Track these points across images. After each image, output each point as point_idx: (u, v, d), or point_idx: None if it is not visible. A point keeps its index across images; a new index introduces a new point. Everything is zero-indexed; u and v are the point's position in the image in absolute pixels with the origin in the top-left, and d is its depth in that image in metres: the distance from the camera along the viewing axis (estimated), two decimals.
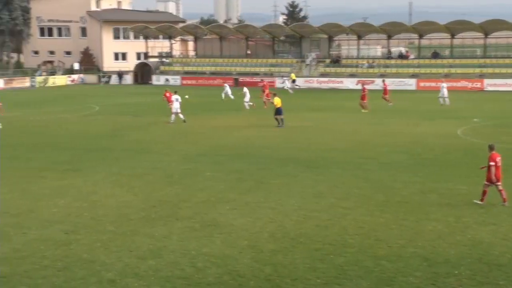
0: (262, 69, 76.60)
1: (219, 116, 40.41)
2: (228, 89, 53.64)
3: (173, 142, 29.53)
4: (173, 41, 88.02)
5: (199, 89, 62.51)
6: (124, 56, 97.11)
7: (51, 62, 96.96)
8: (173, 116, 36.48)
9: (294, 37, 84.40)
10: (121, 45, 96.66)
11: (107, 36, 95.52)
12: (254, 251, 13.50)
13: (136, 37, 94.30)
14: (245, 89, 46.31)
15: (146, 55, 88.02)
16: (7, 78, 78.36)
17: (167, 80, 78.51)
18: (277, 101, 34.93)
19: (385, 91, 48.10)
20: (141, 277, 12.06)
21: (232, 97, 52.07)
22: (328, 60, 76.20)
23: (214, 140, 29.88)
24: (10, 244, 13.87)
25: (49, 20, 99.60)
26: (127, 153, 26.43)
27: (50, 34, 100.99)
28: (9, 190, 19.06)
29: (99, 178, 21.08)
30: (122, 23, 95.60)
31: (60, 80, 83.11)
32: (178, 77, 78.70)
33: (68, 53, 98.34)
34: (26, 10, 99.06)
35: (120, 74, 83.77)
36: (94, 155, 25.90)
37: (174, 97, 37.12)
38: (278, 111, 34.75)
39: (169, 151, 26.86)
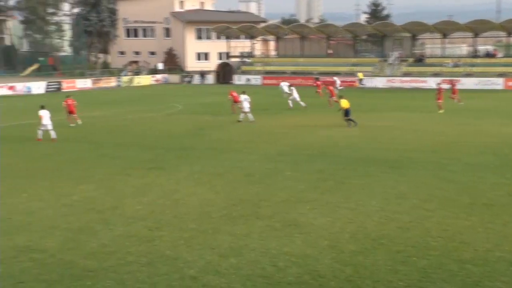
0: (343, 69, 75.98)
1: (299, 115, 40.33)
2: (284, 87, 53.14)
3: (254, 141, 29.67)
4: (254, 41, 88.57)
5: (279, 88, 62.55)
6: (206, 56, 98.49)
7: (136, 62, 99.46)
8: (242, 115, 37.06)
9: (376, 36, 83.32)
10: (204, 45, 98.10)
11: (190, 36, 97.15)
12: (334, 251, 13.40)
13: (218, 37, 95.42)
14: (292, 88, 46.95)
15: (228, 55, 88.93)
16: (95, 78, 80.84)
17: (248, 79, 79.06)
18: (344, 103, 34.36)
19: (453, 90, 46.98)
20: (222, 274, 12.18)
21: (285, 95, 52.02)
22: (411, 59, 74.82)
23: (294, 140, 29.84)
24: (97, 240, 14.29)
25: (135, 21, 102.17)
26: (208, 152, 26.76)
27: (136, 35, 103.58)
28: (96, 187, 19.67)
29: (181, 176, 21.43)
30: (205, 24, 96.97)
31: (144, 80, 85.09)
32: (259, 76, 79.11)
33: (152, 53, 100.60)
34: (113, 12, 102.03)
35: (202, 74, 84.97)
36: (177, 153, 26.36)
37: (243, 97, 37.43)
38: (346, 113, 34.24)
39: (250, 150, 27.01)
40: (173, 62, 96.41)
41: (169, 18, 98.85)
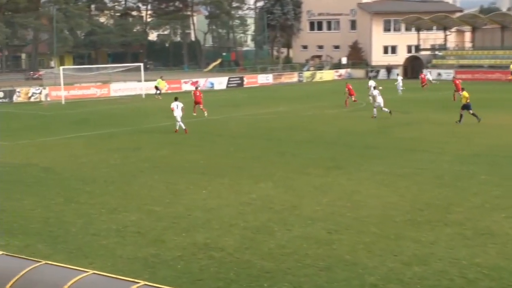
0: None
1: (497, 112, 38.48)
2: (400, 81, 55.65)
3: (445, 140, 28.78)
4: (448, 32, 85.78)
5: (474, 84, 60.14)
6: (393, 50, 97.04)
7: (319, 56, 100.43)
8: (375, 110, 37.67)
9: None
10: (391, 38, 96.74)
11: (377, 28, 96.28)
12: None
13: (407, 29, 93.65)
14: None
15: (417, 48, 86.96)
16: (276, 74, 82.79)
17: (439, 74, 76.79)
18: (466, 95, 34.13)
19: (457, 86, 45.73)
20: (406, 284, 11.91)
21: (400, 90, 54.37)
22: None
23: (491, 140, 28.52)
24: (274, 240, 14.58)
25: (319, 14, 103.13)
26: (393, 151, 26.36)
27: (320, 28, 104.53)
28: (275, 186, 20.10)
29: (363, 176, 21.29)
30: (393, 15, 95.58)
31: (327, 75, 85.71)
32: (451, 71, 76.50)
33: (336, 47, 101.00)
34: (297, 5, 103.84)
35: (389, 69, 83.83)
36: (359, 152, 26.23)
37: (376, 91, 38.16)
38: (466, 106, 33.93)
39: (440, 150, 26.24)
40: (357, 56, 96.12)
41: (355, 9, 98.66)
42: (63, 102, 53.67)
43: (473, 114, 34.10)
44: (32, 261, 8.58)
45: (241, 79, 75.74)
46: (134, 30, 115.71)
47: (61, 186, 20.58)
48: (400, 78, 58.07)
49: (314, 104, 48.13)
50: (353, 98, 46.38)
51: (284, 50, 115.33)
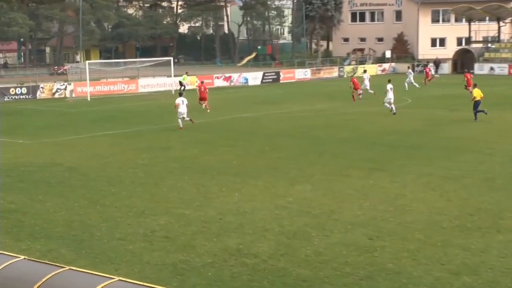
0: None
1: None
2: (411, 77, 56.59)
3: (495, 140, 28.51)
4: (502, 24, 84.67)
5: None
6: (442, 42, 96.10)
7: (361, 50, 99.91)
8: (386, 105, 38.60)
9: None
10: (440, 30, 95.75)
11: (424, 19, 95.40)
12: None
13: (457, 20, 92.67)
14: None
15: (468, 41, 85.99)
16: (315, 68, 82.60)
17: (491, 68, 75.95)
18: (477, 93, 34.63)
19: (468, 81, 47.09)
20: None
21: (416, 85, 55.34)
22: None
23: None
24: (312, 247, 14.57)
25: (362, 4, 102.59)
26: (441, 151, 26.15)
27: (362, 19, 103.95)
28: (312, 188, 20.08)
29: (408, 179, 21.15)
30: (442, 5, 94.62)
31: (369, 69, 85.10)
32: (505, 65, 75.60)
33: (380, 39, 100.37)
34: None
35: (437, 62, 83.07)
36: (403, 153, 26.07)
37: (389, 86, 38.75)
38: (476, 104, 34.52)
39: (491, 150, 25.96)
40: (402, 49, 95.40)
41: None
42: (88, 98, 54.26)
43: (475, 113, 34.83)
44: (55, 266, 8.68)
45: (277, 74, 75.75)
46: (164, 22, 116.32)
47: (86, 187, 20.81)
48: (411, 73, 58.72)
49: (359, 101, 47.87)
50: (358, 92, 48.17)
51: (324, 43, 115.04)
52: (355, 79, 49.10)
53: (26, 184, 21.38)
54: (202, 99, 42.00)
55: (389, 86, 39.03)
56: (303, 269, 13.24)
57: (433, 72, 68.14)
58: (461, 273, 12.77)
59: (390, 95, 38.57)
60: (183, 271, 13.20)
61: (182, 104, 33.77)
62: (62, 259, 13.56)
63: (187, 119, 34.08)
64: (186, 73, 61.80)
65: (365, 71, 55.26)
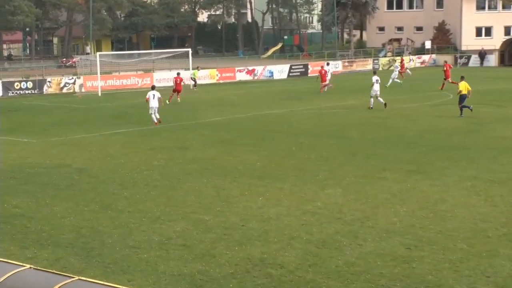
0: None
1: None
2: (397, 72, 57.42)
3: None
4: None
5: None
6: (488, 32, 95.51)
7: (398, 40, 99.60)
8: (371, 100, 40.07)
9: None
10: (486, 18, 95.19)
11: (468, 6, 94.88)
12: None
13: (504, 7, 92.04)
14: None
15: None
16: (347, 60, 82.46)
17: None
18: (463, 87, 35.51)
19: (446, 73, 49.89)
20: None
21: (399, 81, 56.20)
22: None
23: None
24: (343, 256, 14.55)
25: None
26: (486, 152, 26.02)
27: (399, 6, 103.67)
28: (344, 193, 20.05)
29: (449, 182, 21.07)
30: None
31: (407, 61, 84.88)
32: None
33: (418, 29, 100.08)
34: None
35: (482, 54, 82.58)
36: (444, 154, 25.97)
37: (375, 78, 40.42)
38: (461, 99, 35.89)
39: None
40: (444, 40, 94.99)
41: None
42: (99, 93, 54.66)
43: (460, 108, 35.85)
44: (63, 276, 8.75)
45: (305, 67, 75.80)
46: (182, 10, 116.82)
47: (97, 190, 20.95)
48: (397, 67, 59.41)
49: (392, 97, 47.71)
50: (323, 84, 51.63)
51: (357, 32, 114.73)
52: (322, 71, 52.29)
53: (32, 187, 21.57)
54: (177, 91, 45.98)
55: (375, 78, 40.40)
56: (333, 281, 13.23)
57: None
58: (508, 286, 12.72)
59: (376, 88, 40.16)
60: (202, 282, 13.25)
61: (153, 99, 35.02)
62: (71, 268, 13.68)
63: (158, 116, 35.21)
64: (197, 68, 61.96)
65: (328, 64, 58.77)
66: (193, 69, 60.09)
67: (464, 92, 35.75)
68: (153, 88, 36.51)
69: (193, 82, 58.47)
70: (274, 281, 13.25)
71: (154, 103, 34.95)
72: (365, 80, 64.54)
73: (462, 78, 36.74)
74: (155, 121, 35.09)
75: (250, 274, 13.66)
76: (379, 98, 39.97)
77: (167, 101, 42.94)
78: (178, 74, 48.91)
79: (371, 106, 40.21)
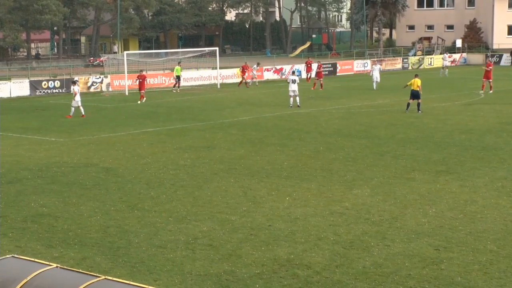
0: None
1: None
2: (376, 73, 55.36)
3: None
4: None
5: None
6: None
7: (428, 39, 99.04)
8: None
9: None
10: None
11: (500, 4, 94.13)
12: None
13: None
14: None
15: None
16: (376, 60, 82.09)
17: None
18: (414, 83, 37.44)
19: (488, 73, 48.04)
20: None
21: (377, 81, 54.86)
22: None
23: None
24: (371, 257, 14.55)
25: None
26: None
27: (430, 4, 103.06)
28: (372, 193, 20.02)
29: (480, 183, 20.96)
30: None
31: (437, 60, 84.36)
32: None
33: (449, 27, 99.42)
34: None
35: None
36: (475, 154, 25.82)
37: (291, 78, 42.53)
38: (412, 94, 37.60)
39: None
40: (475, 38, 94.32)
41: None
42: (126, 92, 54.88)
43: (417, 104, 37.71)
44: (89, 276, 8.84)
45: (334, 66, 75.58)
46: (209, 8, 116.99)
47: (123, 190, 21.09)
48: (379, 67, 57.99)
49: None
50: (247, 81, 56.09)
51: (386, 31, 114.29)
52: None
53: (59, 186, 21.76)
54: (143, 89, 48.55)
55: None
56: (361, 282, 13.23)
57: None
58: None
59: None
60: (228, 282, 13.30)
61: (79, 93, 39.78)
62: (97, 268, 13.80)
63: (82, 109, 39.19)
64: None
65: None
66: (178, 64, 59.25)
67: (414, 88, 37.71)
68: (74, 83, 41.54)
69: (174, 82, 57.46)
70: (301, 282, 13.27)
71: (78, 97, 39.65)
72: (394, 79, 64.35)
73: (416, 76, 38.88)
74: (83, 114, 39.37)
75: (276, 274, 13.69)
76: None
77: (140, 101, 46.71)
78: (141, 70, 52.73)
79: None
